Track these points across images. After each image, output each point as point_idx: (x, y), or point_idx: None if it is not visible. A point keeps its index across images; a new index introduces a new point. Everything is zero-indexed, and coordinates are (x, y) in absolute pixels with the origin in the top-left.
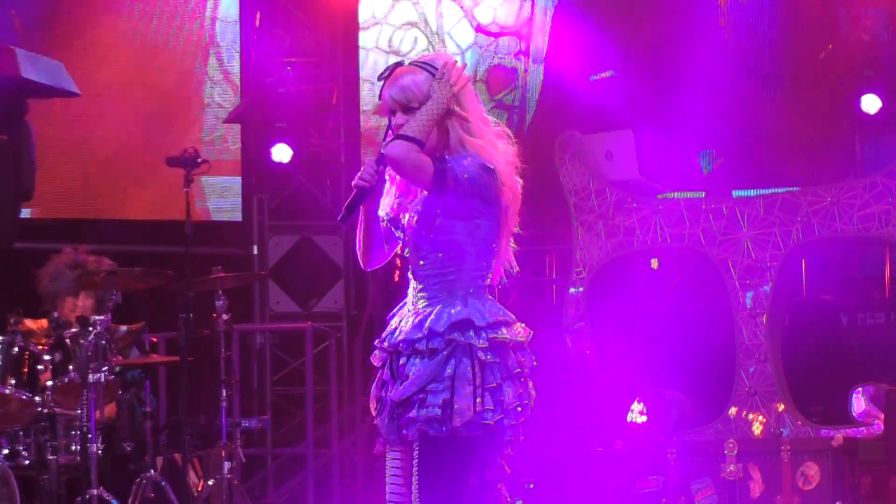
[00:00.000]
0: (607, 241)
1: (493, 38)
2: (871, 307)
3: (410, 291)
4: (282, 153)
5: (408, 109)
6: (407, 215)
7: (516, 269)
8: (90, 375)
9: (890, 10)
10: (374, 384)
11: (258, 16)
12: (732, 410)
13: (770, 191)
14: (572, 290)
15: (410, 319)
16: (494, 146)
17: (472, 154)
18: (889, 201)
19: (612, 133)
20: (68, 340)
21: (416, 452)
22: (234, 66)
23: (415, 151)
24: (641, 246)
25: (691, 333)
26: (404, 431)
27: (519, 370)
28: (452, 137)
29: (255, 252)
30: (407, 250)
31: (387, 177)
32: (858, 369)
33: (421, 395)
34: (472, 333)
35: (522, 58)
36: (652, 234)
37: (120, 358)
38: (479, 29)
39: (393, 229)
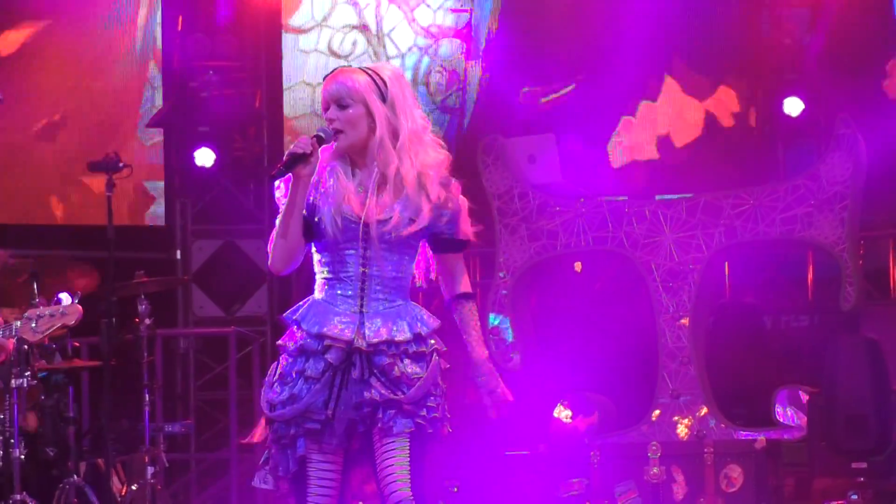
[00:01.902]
0: (530, 244)
1: (433, 41)
2: (794, 310)
3: (347, 285)
4: (205, 157)
5: (341, 106)
6: (394, 216)
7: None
8: (13, 381)
9: (812, 13)
10: (316, 387)
11: (180, 19)
12: (656, 413)
13: (692, 194)
14: (495, 293)
15: (377, 320)
16: (425, 153)
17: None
18: (811, 204)
19: (535, 136)
20: None
21: (396, 444)
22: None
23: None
24: (564, 249)
25: (615, 336)
26: (392, 425)
27: None
28: (378, 136)
29: (179, 256)
30: (366, 250)
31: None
32: (781, 372)
33: (425, 396)
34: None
35: (464, 60)
36: (575, 237)
37: (43, 363)
38: (421, 31)
39: (318, 222)
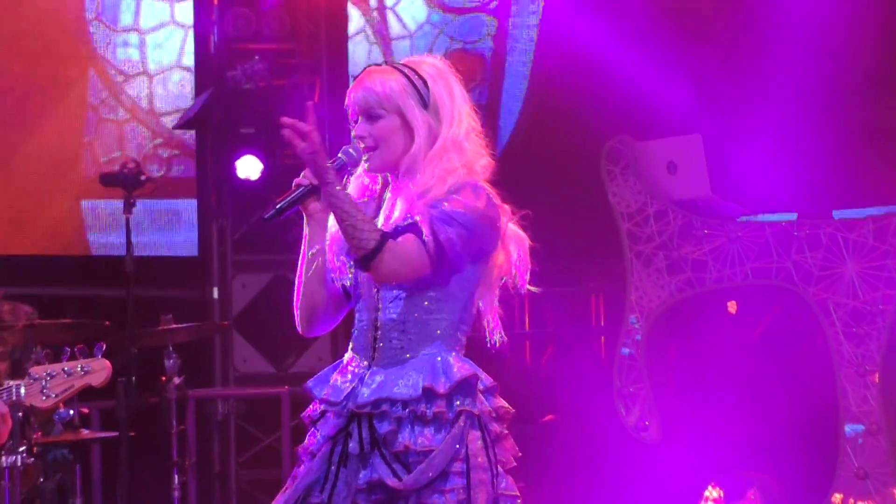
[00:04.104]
0: (671, 278)
1: (453, 16)
2: None
3: (362, 337)
4: (249, 167)
5: (371, 117)
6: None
7: (499, 337)
8: (3, 458)
9: None
10: (316, 460)
11: None
12: (836, 498)
13: (884, 210)
14: (625, 343)
15: (378, 376)
16: (472, 169)
17: (451, 190)
18: None
19: (676, 138)
20: None
21: None
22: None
23: (394, 255)
24: (715, 284)
25: (780, 397)
26: None
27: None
28: (414, 149)
29: (216, 296)
30: (376, 289)
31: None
32: None
33: (440, 478)
34: (479, 398)
35: (491, 41)
36: (729, 269)
37: (41, 434)
38: (437, 4)
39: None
